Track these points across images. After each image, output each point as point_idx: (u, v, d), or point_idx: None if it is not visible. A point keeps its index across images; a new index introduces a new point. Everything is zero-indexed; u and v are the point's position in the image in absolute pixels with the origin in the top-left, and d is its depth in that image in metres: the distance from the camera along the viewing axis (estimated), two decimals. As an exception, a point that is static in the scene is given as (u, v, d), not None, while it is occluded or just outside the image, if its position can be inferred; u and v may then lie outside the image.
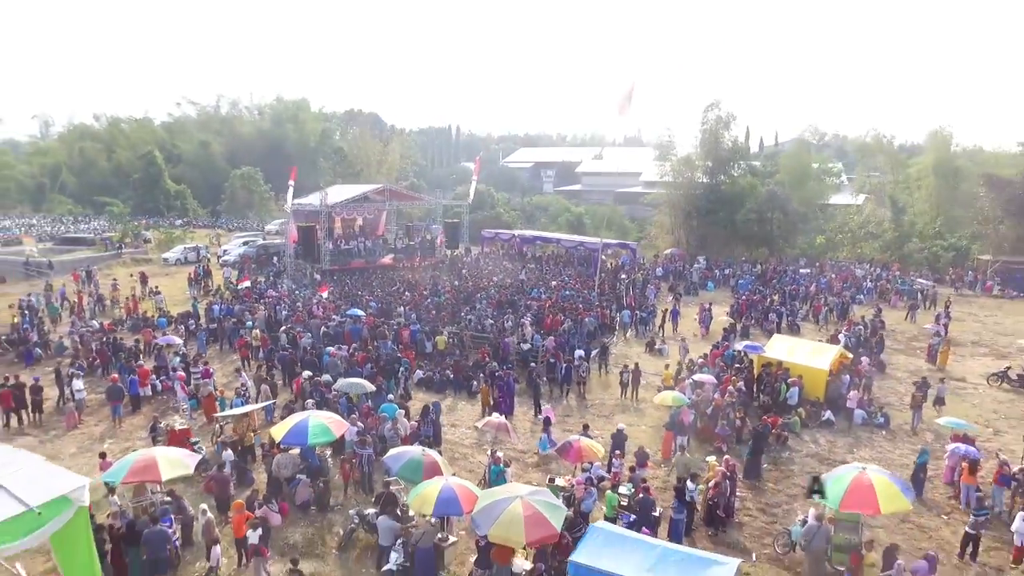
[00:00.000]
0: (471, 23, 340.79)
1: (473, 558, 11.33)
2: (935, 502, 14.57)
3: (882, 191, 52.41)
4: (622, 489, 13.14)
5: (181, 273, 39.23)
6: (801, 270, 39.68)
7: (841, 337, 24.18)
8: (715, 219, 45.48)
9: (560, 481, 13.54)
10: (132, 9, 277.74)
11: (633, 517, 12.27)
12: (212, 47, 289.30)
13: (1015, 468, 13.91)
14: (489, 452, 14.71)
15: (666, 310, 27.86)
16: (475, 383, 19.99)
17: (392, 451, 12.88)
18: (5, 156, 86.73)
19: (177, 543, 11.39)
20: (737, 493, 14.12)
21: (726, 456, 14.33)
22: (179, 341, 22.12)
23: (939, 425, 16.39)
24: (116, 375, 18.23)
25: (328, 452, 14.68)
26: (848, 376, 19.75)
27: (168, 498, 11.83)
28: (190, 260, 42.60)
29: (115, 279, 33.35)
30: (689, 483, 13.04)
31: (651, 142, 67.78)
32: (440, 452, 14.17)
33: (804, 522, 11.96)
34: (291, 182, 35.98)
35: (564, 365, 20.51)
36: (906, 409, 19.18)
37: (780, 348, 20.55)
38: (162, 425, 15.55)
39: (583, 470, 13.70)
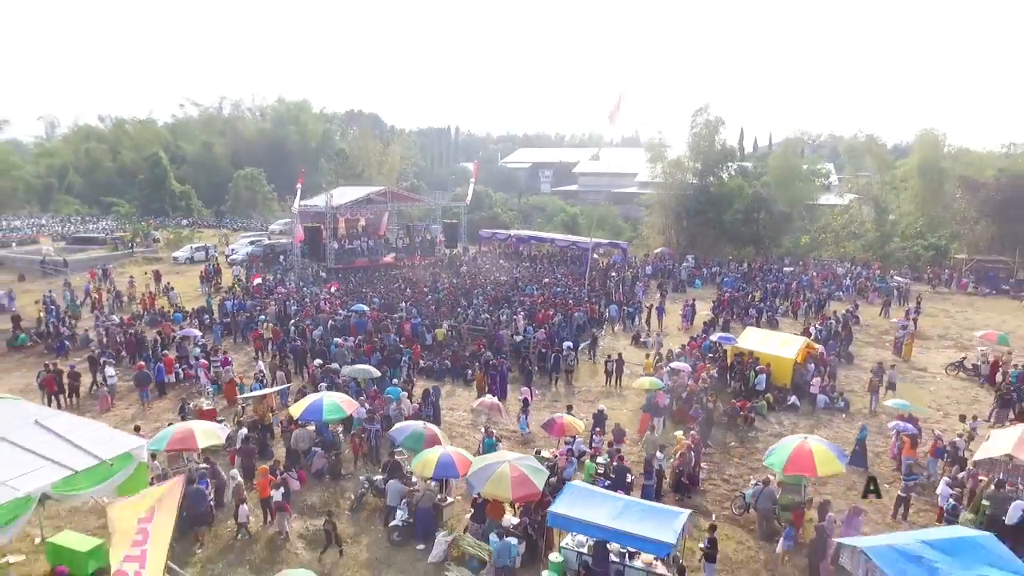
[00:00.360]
0: (471, 24, 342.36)
1: (468, 515, 13.11)
2: (881, 473, 16.31)
3: (869, 191, 54.22)
4: (599, 459, 14.94)
5: (190, 271, 41.02)
6: (784, 268, 41.46)
7: (812, 330, 26.01)
8: (704, 219, 47.24)
9: (545, 453, 15.31)
10: (134, 11, 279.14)
11: (608, 482, 14.03)
12: (213, 48, 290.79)
13: (946, 442, 15.72)
14: (483, 429, 16.50)
15: (651, 306, 29.64)
16: (471, 371, 21.76)
17: (397, 425, 14.71)
18: (11, 157, 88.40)
19: (211, 502, 13.14)
20: (702, 464, 15.93)
21: (692, 432, 16.11)
22: (198, 333, 23.89)
23: (888, 407, 18.19)
24: (143, 363, 20.00)
25: (340, 428, 16.46)
26: (813, 365, 21.55)
27: (205, 464, 13.59)
28: (197, 259, 44.34)
29: (131, 276, 35.13)
30: (659, 453, 14.86)
31: (646, 143, 69.71)
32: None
33: (755, 487, 13.79)
34: (299, 185, 37.76)
35: (553, 355, 22.29)
36: (867, 394, 21.02)
37: (752, 339, 22.35)
38: (190, 406, 17.32)
39: (566, 443, 15.46)
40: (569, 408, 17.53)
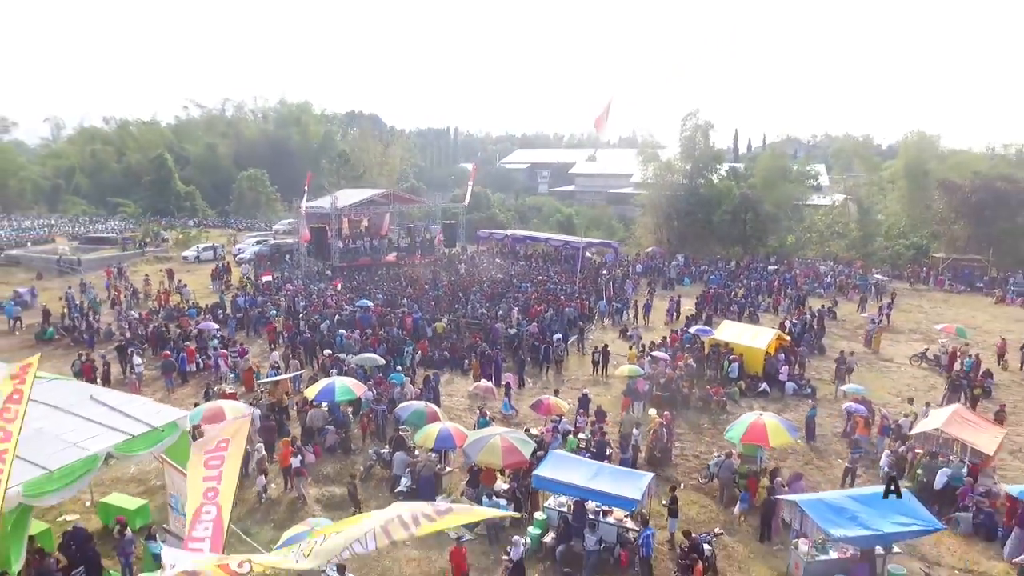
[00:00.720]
0: (470, 24, 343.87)
1: (464, 482, 14.94)
2: (837, 450, 18.18)
3: (856, 192, 56.05)
4: (581, 435, 16.78)
5: (200, 270, 42.83)
6: (769, 267, 43.27)
7: (787, 324, 27.86)
8: (693, 220, 49.06)
9: (534, 431, 17.13)
10: (135, 13, 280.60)
11: (589, 455, 15.85)
12: (214, 49, 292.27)
13: (891, 421, 17.58)
14: (478, 410, 18.33)
15: (636, 302, 31.49)
16: (468, 361, 23.59)
17: (401, 404, 16.55)
18: (18, 157, 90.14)
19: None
20: (676, 442, 17.78)
21: (665, 412, 17.96)
22: (215, 327, 25.70)
23: (844, 391, 20.08)
24: (168, 352, 21.83)
25: (349, 409, 18.28)
26: (783, 355, 23.38)
27: (231, 437, 15.40)
28: (205, 259, 46.15)
29: (147, 275, 36.95)
30: (635, 430, 16.71)
31: (640, 145, 71.52)
32: (438, 411, 17.80)
33: (717, 459, 15.66)
34: (305, 187, 39.60)
35: (544, 347, 24.13)
36: (834, 381, 22.84)
37: (727, 332, 24.21)
38: (215, 390, 19.13)
39: (552, 422, 17.29)
40: (556, 392, 19.37)
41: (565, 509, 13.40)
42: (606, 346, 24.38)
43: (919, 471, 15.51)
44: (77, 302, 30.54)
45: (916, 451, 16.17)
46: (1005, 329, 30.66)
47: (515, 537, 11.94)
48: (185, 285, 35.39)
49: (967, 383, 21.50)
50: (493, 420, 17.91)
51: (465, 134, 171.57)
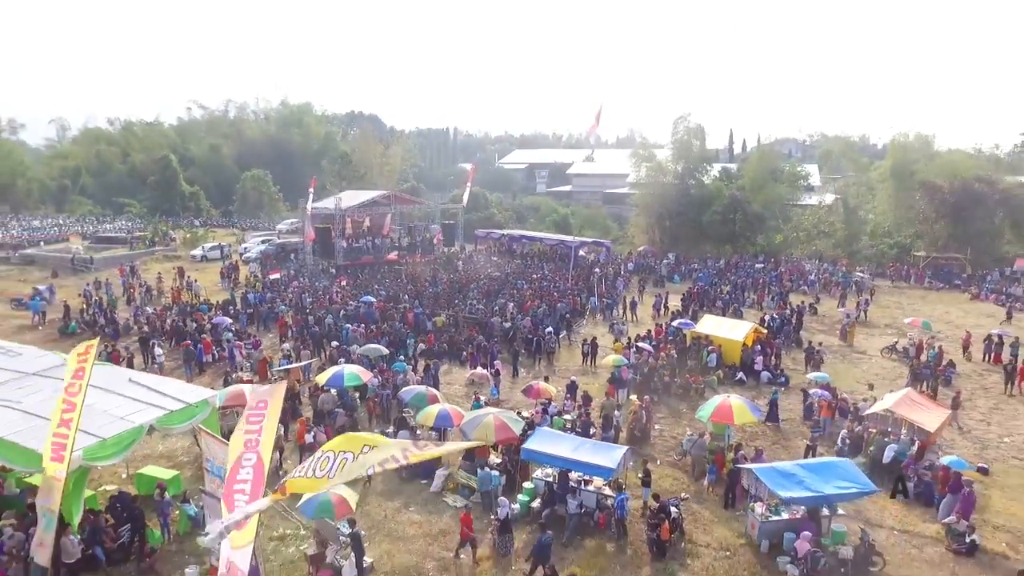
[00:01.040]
0: (470, 25, 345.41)
1: (461, 456, 16.60)
2: (802, 431, 19.85)
3: (846, 192, 57.75)
4: (568, 416, 18.47)
5: (208, 268, 44.47)
6: (756, 265, 44.98)
7: (766, 318, 29.56)
8: (684, 219, 50.80)
9: (525, 413, 18.80)
10: (136, 15, 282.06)
11: (574, 434, 17.53)
12: (215, 50, 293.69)
13: (851, 404, 19.29)
14: (474, 395, 20.02)
15: (625, 298, 33.21)
16: (465, 352, 25.26)
17: (404, 389, 18.24)
18: (24, 158, 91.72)
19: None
20: (655, 425, 19.47)
21: (645, 396, 19.66)
22: (230, 320, 27.36)
23: (809, 378, 21.83)
24: (188, 342, 23.53)
25: (356, 394, 19.95)
26: (760, 346, 25.07)
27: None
28: (212, 257, 47.81)
29: (160, 272, 38.62)
30: (616, 412, 18.41)
31: (639, 144, 73.15)
32: (438, 396, 19.46)
33: (689, 437, 17.37)
34: (311, 190, 41.31)
35: (536, 339, 25.82)
36: (808, 370, 24.52)
37: (708, 325, 25.93)
38: (233, 378, 20.79)
39: (541, 404, 18.96)
40: (546, 379, 21.07)
41: (551, 479, 15.07)
42: (594, 338, 26.08)
43: (871, 447, 17.21)
44: (96, 298, 32.18)
45: (870, 430, 17.86)
46: (976, 324, 32.34)
47: (501, 499, 13.63)
48: (195, 281, 37.12)
49: (929, 372, 23.19)
50: (487, 405, 19.55)
51: (464, 134, 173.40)
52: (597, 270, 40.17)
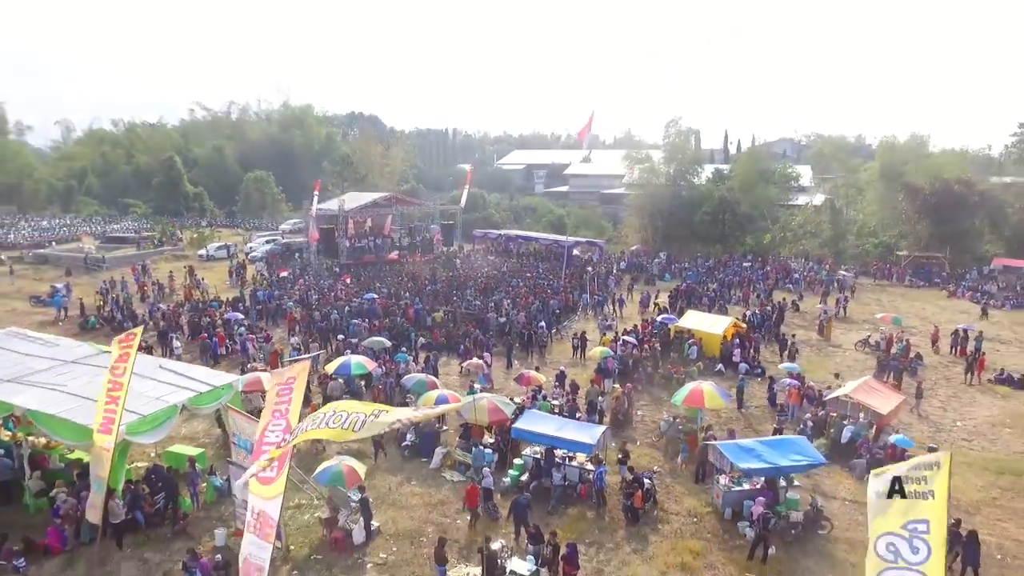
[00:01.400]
0: (470, 26, 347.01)
1: (458, 436, 18.32)
2: (772, 416, 21.51)
3: (836, 193, 59.44)
4: (555, 402, 20.16)
5: (215, 267, 46.14)
6: (744, 264, 46.67)
7: (747, 314, 31.27)
8: (676, 220, 52.46)
9: (517, 399, 20.49)
10: (141, 17, 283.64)
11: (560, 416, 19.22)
12: (217, 51, 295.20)
13: (816, 392, 21.02)
14: (470, 383, 21.71)
15: (614, 295, 34.95)
16: (463, 346, 26.93)
17: (406, 376, 19.94)
18: (30, 158, 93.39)
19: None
20: (637, 411, 21.17)
21: (628, 384, 21.36)
22: (241, 316, 29.05)
23: (781, 369, 23.56)
24: (204, 335, 25.21)
25: (362, 382, 21.62)
26: (738, 340, 26.74)
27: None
28: (218, 256, 49.46)
29: (172, 271, 40.31)
30: (600, 397, 20.11)
31: (632, 146, 74.81)
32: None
33: (666, 420, 19.08)
34: (316, 192, 43.02)
35: (529, 333, 27.51)
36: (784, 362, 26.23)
37: (690, 320, 27.63)
38: (248, 367, 22.45)
39: (531, 391, 20.64)
40: (537, 369, 22.78)
41: (538, 455, 16.75)
42: (584, 333, 27.77)
43: (831, 429, 18.91)
44: (113, 296, 33.87)
45: (832, 414, 19.55)
46: (950, 320, 33.96)
47: (484, 469, 15.40)
48: (202, 279, 38.81)
49: (895, 363, 24.90)
50: (481, 391, 21.23)
51: (463, 134, 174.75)
52: (590, 269, 41.84)
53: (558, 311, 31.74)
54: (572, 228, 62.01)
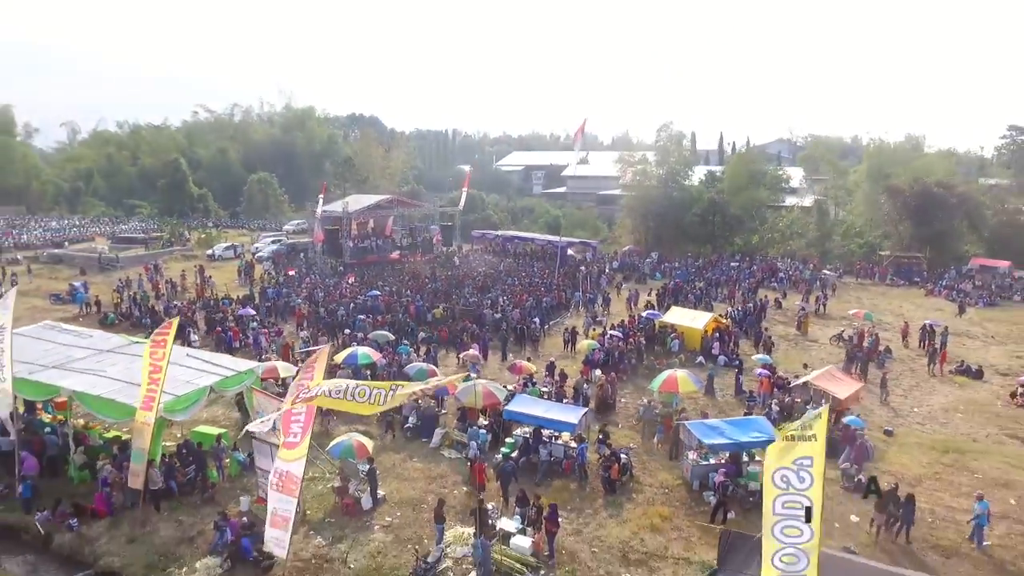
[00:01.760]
0: (470, 27, 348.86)
1: (456, 418, 20.19)
2: (744, 403, 23.38)
3: (825, 195, 61.29)
4: (544, 389, 22.04)
5: (222, 267, 47.95)
6: (732, 264, 48.54)
7: (729, 310, 33.16)
8: (667, 221, 54.34)
9: (510, 387, 22.36)
10: (144, 19, 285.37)
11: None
12: (220, 55, 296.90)
13: (784, 380, 22.89)
14: (466, 373, 23.58)
15: (606, 293, 36.84)
16: (460, 340, 28.80)
17: (409, 365, 21.81)
18: (37, 161, 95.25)
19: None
20: (619, 397, 23.04)
21: (611, 373, 23.24)
22: (253, 312, 30.93)
23: (755, 359, 25.44)
24: (220, 329, 27.08)
25: (368, 372, 23.48)
26: (718, 334, 28.62)
27: (282, 388, 20.63)
28: (226, 256, 51.29)
29: (184, 270, 42.18)
30: (585, 385, 21.99)
31: (624, 149, 76.51)
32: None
33: (643, 404, 20.98)
34: (321, 195, 44.94)
35: (522, 327, 29.38)
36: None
37: (673, 315, 29.53)
38: (263, 358, 24.31)
39: (523, 380, 22.50)
40: (528, 359, 24.65)
41: (527, 435, 18.61)
42: (575, 328, 29.66)
43: (796, 414, 20.76)
44: (130, 293, 35.76)
45: (796, 400, 21.43)
46: (925, 316, 35.69)
47: (471, 442, 17.38)
48: (210, 277, 40.70)
49: (860, 355, 26.79)
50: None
51: (463, 135, 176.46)
52: (583, 268, 43.73)
53: (551, 308, 33.57)
54: (568, 229, 63.89)
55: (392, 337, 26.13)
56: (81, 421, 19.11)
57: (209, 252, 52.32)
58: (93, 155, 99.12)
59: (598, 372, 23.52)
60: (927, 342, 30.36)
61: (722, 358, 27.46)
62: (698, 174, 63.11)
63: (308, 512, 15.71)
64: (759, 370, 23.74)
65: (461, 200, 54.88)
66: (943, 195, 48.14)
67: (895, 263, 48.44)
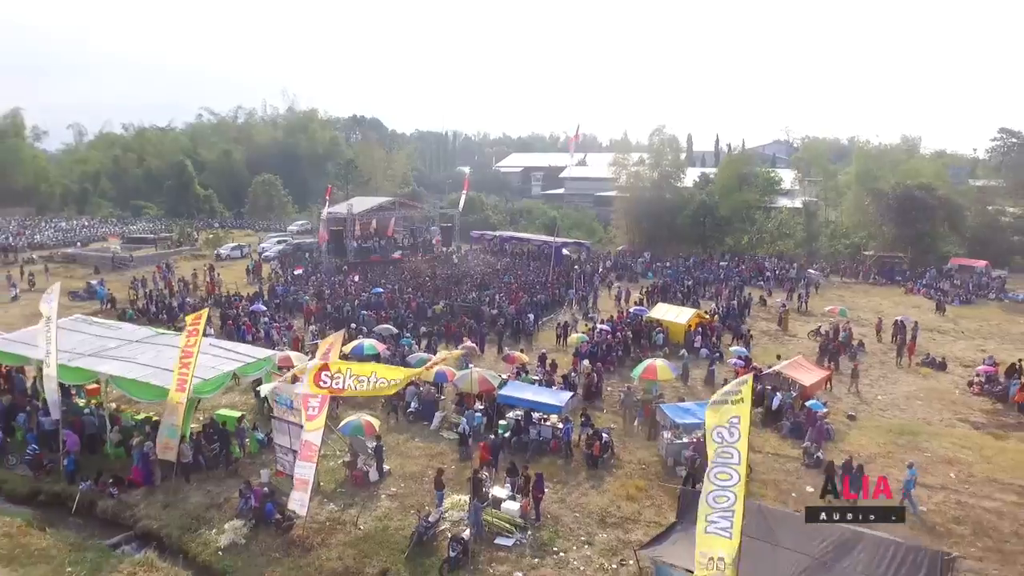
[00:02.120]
0: (470, 28, 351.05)
1: (454, 403, 22.09)
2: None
3: (819, 196, 63.11)
4: (535, 377, 23.95)
5: (231, 266, 49.84)
6: (721, 263, 50.42)
7: (713, 306, 35.05)
8: (660, 222, 56.22)
9: (504, 375, 24.24)
10: (148, 22, 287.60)
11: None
12: (219, 54, 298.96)
13: (758, 370, 24.78)
14: (465, 363, 25.49)
15: (596, 291, 38.81)
16: (459, 334, 30.70)
17: (410, 355, 23.72)
18: (45, 163, 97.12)
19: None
20: (607, 387, 24.93)
21: (598, 363, 25.14)
22: (264, 308, 32.84)
23: (731, 351, 27.34)
24: (233, 323, 29.00)
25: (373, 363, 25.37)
26: (700, 328, 30.49)
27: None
28: (233, 256, 53.20)
29: (195, 269, 44.11)
30: (573, 373, 23.90)
31: (618, 152, 78.29)
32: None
33: (624, 390, 22.89)
34: (327, 197, 46.92)
35: (517, 321, 31.30)
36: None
37: (659, 311, 31.44)
38: (277, 349, 26.18)
39: (516, 368, 24.39)
40: (521, 351, 26.56)
41: (519, 417, 20.50)
42: (567, 323, 31.56)
43: (765, 399, 22.67)
44: (146, 290, 37.69)
45: (767, 387, 23.30)
46: (902, 314, 37.59)
47: (463, 420, 19.22)
48: (218, 275, 42.63)
49: (831, 348, 28.69)
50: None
51: (463, 136, 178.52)
52: (576, 267, 45.64)
53: (545, 305, 35.48)
54: (565, 229, 65.74)
55: (396, 331, 28.04)
56: (113, 405, 21.00)
57: (216, 252, 54.20)
58: (100, 157, 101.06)
59: (586, 362, 25.37)
60: (898, 336, 32.21)
61: (704, 351, 29.31)
62: (692, 176, 65.10)
63: (322, 483, 17.58)
64: (734, 360, 25.62)
65: (460, 202, 56.84)
66: (924, 198, 49.94)
67: (878, 263, 50.29)
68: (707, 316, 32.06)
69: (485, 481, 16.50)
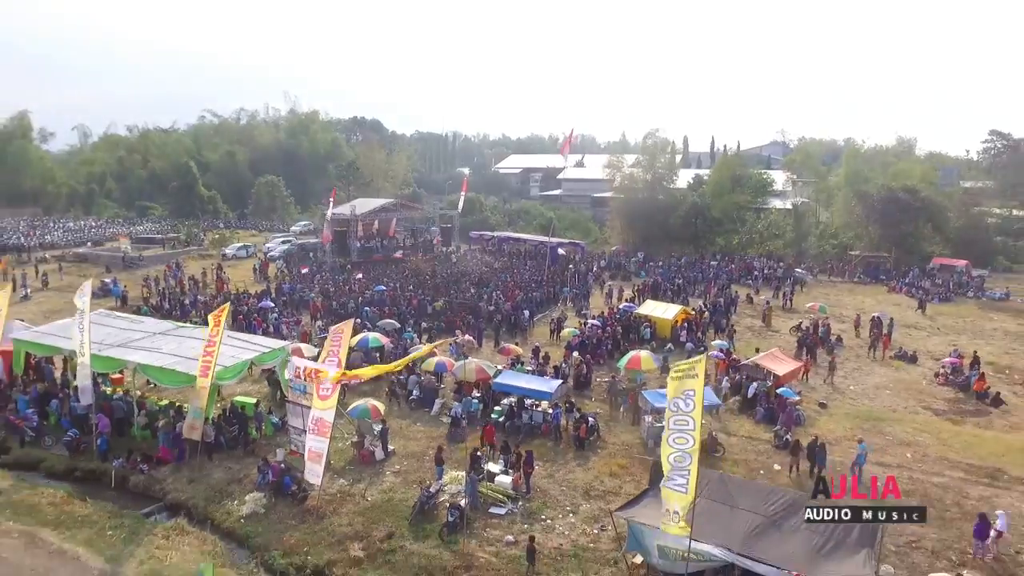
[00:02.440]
0: (470, 30, 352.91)
1: (452, 391, 23.82)
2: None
3: (810, 198, 64.79)
4: (528, 367, 25.66)
5: (237, 266, 51.50)
6: (711, 263, 52.13)
7: (700, 304, 36.77)
8: (653, 222, 57.90)
9: (499, 367, 25.95)
10: (151, 23, 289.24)
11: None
12: (223, 59, 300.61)
13: (738, 362, 26.51)
14: (463, 354, 27.21)
15: (589, 289, 40.54)
16: (458, 330, 32.41)
17: (411, 348, 25.45)
18: (51, 164, 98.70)
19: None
20: (594, 375, 26.64)
21: (587, 355, 26.86)
22: (272, 304, 34.56)
23: (713, 344, 29.05)
24: (243, 318, 30.72)
25: (377, 354, 27.06)
26: (686, 323, 32.20)
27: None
28: (239, 256, 54.87)
29: (204, 268, 45.81)
30: (564, 365, 25.62)
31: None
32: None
33: (610, 380, 24.62)
34: (331, 199, 48.66)
35: (513, 317, 33.03)
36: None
37: (647, 307, 33.18)
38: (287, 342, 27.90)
39: (511, 360, 26.10)
40: (516, 344, 28.28)
41: (512, 404, 22.21)
42: (560, 318, 33.30)
43: (742, 388, 24.40)
44: (159, 288, 39.41)
45: (745, 377, 25.02)
46: (882, 311, 39.28)
47: (454, 403, 20.98)
48: (225, 273, 44.33)
49: (808, 342, 30.42)
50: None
51: (463, 138, 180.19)
52: (571, 267, 47.37)
53: (541, 302, 37.21)
54: (562, 230, 67.46)
55: (398, 325, 29.77)
56: (139, 392, 22.72)
57: (222, 252, 55.85)
58: (105, 158, 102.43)
59: (576, 354, 27.09)
60: (874, 331, 33.91)
61: (689, 345, 31.02)
62: (686, 177, 66.82)
63: (333, 462, 19.28)
64: (715, 353, 27.34)
65: (460, 203, 58.59)
66: (907, 200, 51.64)
67: (863, 262, 52.01)
68: (693, 312, 33.75)
69: (482, 458, 18.21)
